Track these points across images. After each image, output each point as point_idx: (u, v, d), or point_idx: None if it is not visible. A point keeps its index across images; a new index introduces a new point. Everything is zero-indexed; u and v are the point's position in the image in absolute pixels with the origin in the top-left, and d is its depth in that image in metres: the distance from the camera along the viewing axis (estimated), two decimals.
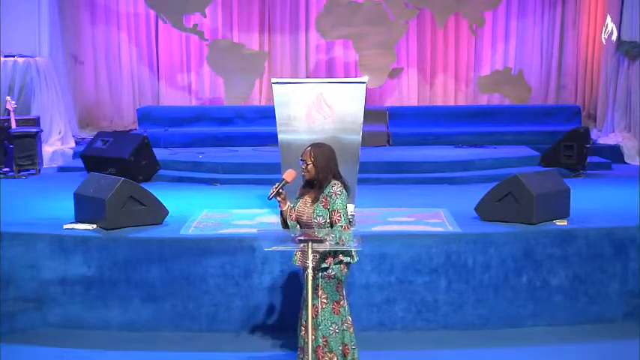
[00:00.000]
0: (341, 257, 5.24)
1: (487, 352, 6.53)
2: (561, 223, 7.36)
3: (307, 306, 5.15)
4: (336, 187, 5.29)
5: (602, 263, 7.10)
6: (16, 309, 6.95)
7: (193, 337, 6.83)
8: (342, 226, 5.22)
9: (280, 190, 5.33)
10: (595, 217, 7.67)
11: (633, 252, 7.11)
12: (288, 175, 5.37)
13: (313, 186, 5.33)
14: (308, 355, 5.13)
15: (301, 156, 5.35)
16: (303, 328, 5.29)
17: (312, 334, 5.24)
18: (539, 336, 6.82)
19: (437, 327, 6.95)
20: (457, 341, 6.73)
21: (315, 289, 5.24)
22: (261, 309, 6.94)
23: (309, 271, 5.00)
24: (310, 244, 4.97)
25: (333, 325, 5.30)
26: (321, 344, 5.27)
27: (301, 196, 5.40)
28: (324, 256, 5.19)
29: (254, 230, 7.06)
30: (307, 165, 5.29)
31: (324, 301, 5.29)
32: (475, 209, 7.68)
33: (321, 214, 5.25)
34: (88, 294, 6.98)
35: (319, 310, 5.27)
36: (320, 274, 5.24)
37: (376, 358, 6.28)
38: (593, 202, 8.62)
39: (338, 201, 5.25)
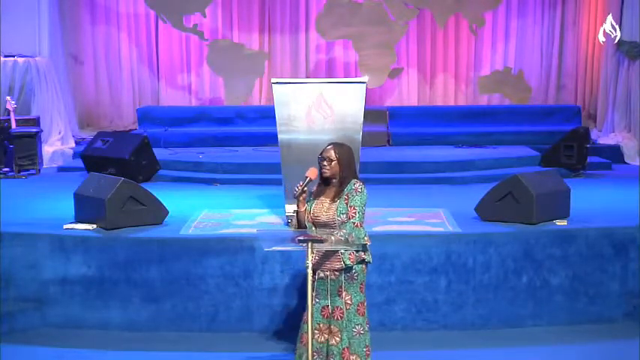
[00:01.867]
0: (363, 256, 5.25)
1: (487, 352, 6.53)
2: (561, 223, 7.36)
3: (308, 306, 5.10)
4: (357, 184, 5.30)
5: (602, 263, 7.09)
6: (16, 309, 6.95)
7: (193, 337, 6.83)
8: (354, 223, 5.21)
9: (305, 189, 5.28)
10: (595, 217, 7.67)
11: (633, 252, 7.11)
12: (312, 172, 5.31)
13: (331, 185, 5.30)
14: (308, 355, 5.11)
15: (322, 154, 5.31)
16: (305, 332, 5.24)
17: (323, 335, 5.23)
18: (539, 336, 6.82)
19: (437, 327, 6.95)
20: (457, 341, 6.73)
21: (337, 290, 5.24)
22: (261, 309, 6.93)
23: (309, 270, 4.98)
24: (310, 244, 4.95)
25: (357, 327, 5.29)
26: (346, 346, 5.25)
27: (316, 196, 5.34)
28: (335, 254, 5.17)
29: (254, 230, 7.05)
30: (331, 162, 5.26)
31: (349, 302, 5.27)
32: (475, 209, 7.68)
33: (344, 211, 5.22)
34: (88, 294, 6.98)
35: (344, 312, 5.26)
36: (343, 275, 5.24)
37: (376, 358, 6.26)
38: (593, 202, 8.62)
39: (357, 198, 5.25)
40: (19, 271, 7.01)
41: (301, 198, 5.29)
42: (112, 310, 6.96)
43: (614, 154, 12.12)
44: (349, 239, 5.04)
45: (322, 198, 5.31)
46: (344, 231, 5.10)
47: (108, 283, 6.97)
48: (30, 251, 7.03)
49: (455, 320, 6.97)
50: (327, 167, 5.28)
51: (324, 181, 5.33)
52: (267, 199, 8.78)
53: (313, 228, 5.27)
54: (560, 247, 7.07)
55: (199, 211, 8.20)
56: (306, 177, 5.29)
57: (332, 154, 5.29)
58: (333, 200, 5.26)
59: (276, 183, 8.65)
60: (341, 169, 5.28)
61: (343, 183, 5.28)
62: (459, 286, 6.97)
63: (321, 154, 5.34)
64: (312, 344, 5.09)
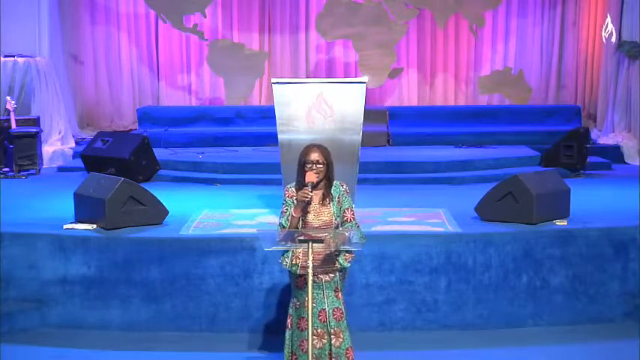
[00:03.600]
0: (353, 255, 5.27)
1: (487, 352, 6.53)
2: (561, 223, 7.36)
3: (308, 310, 5.03)
4: (344, 185, 5.32)
5: (602, 263, 7.09)
6: (16, 309, 6.95)
7: (193, 337, 6.83)
8: (357, 224, 5.27)
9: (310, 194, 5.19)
10: (595, 217, 7.67)
11: (633, 252, 7.11)
12: (312, 177, 5.18)
13: (317, 187, 5.25)
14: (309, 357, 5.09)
15: (308, 158, 5.21)
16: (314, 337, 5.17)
17: (322, 340, 5.19)
18: (539, 336, 6.82)
19: (437, 327, 6.95)
20: (457, 341, 6.73)
21: (334, 291, 5.24)
22: (261, 309, 6.93)
23: (310, 270, 4.97)
24: (310, 244, 4.95)
25: (346, 322, 5.31)
26: (349, 345, 5.24)
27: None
28: (332, 256, 5.17)
29: (254, 230, 7.06)
30: (322, 165, 5.21)
31: (342, 300, 5.29)
32: (475, 209, 7.68)
33: (339, 213, 5.25)
34: (88, 294, 6.98)
35: (343, 311, 5.26)
36: (338, 275, 5.24)
37: (376, 358, 6.29)
38: (593, 202, 8.62)
39: (349, 199, 5.30)
40: (19, 271, 7.01)
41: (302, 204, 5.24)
42: (112, 310, 6.96)
43: (614, 154, 12.12)
44: (360, 242, 5.05)
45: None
46: (356, 235, 5.08)
47: (108, 283, 6.97)
48: (30, 251, 7.03)
49: (455, 320, 6.97)
50: (318, 171, 5.21)
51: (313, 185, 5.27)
52: (267, 199, 8.78)
53: None
54: (560, 247, 7.07)
55: (199, 211, 8.20)
56: (310, 182, 5.19)
57: (320, 157, 5.22)
58: (322, 203, 5.24)
59: (276, 183, 8.65)
60: (328, 170, 5.26)
61: (330, 184, 5.27)
62: (459, 286, 6.97)
63: (305, 158, 5.22)
64: (311, 349, 5.05)
